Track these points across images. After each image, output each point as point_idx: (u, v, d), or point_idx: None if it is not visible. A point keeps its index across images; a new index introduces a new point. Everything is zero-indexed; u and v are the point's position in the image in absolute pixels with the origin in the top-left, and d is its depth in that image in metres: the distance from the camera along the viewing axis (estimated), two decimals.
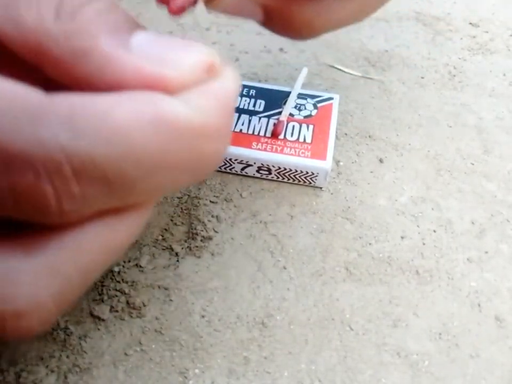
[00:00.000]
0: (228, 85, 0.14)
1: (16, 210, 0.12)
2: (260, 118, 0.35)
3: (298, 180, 0.34)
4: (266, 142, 0.33)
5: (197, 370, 0.26)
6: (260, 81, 0.42)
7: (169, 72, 0.13)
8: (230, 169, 0.34)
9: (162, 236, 0.31)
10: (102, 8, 0.13)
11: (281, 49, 0.45)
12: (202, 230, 0.31)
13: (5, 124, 0.11)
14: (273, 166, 0.33)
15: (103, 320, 0.27)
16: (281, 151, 0.33)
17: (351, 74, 0.43)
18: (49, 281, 0.12)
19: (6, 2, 0.12)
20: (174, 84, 0.13)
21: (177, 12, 0.16)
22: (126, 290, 0.28)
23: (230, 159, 0.33)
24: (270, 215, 0.32)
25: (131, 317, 0.28)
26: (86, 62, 0.12)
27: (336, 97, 0.37)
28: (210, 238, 0.31)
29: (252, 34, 0.46)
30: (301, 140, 0.34)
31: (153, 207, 0.15)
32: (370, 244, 0.31)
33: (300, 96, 0.37)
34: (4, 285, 0.12)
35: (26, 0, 0.12)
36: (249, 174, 0.34)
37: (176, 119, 0.12)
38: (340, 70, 0.43)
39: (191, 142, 0.12)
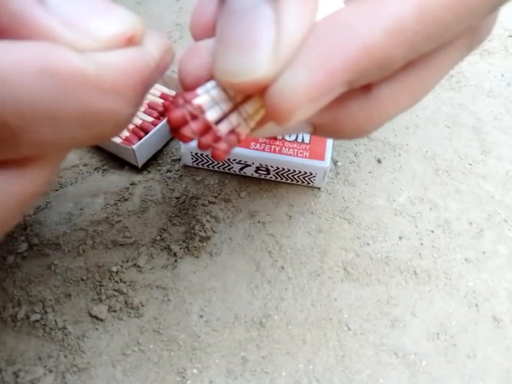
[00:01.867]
0: (142, 52, 0.13)
1: None
2: None
3: (296, 180, 0.34)
4: (265, 142, 0.33)
5: (195, 370, 0.26)
6: None
7: (83, 41, 0.12)
8: (229, 169, 0.34)
9: (161, 236, 0.31)
10: None
11: None
12: (200, 230, 0.31)
13: None
14: (271, 166, 0.33)
15: (101, 320, 0.27)
16: (280, 151, 0.33)
17: None
18: None
19: None
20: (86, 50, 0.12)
21: (222, 156, 0.15)
22: (124, 290, 0.28)
23: (229, 159, 0.33)
24: (268, 215, 0.32)
25: (129, 316, 0.28)
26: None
27: None
28: (208, 238, 0.31)
29: None
30: (299, 140, 0.34)
31: (58, 163, 0.14)
32: (368, 244, 0.31)
33: None
34: None
35: None
36: (247, 174, 0.34)
37: (66, 67, 0.12)
38: None
39: (81, 93, 0.12)
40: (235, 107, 0.15)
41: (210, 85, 0.15)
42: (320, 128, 0.18)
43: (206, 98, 0.14)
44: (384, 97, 0.17)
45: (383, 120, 0.18)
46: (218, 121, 0.15)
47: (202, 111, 0.14)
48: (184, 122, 0.14)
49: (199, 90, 0.15)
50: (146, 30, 0.14)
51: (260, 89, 0.14)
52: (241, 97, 0.15)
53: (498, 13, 0.19)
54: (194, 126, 0.14)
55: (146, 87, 0.14)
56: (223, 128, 0.15)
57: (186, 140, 0.15)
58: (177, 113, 0.14)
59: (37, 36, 0.12)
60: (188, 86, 0.15)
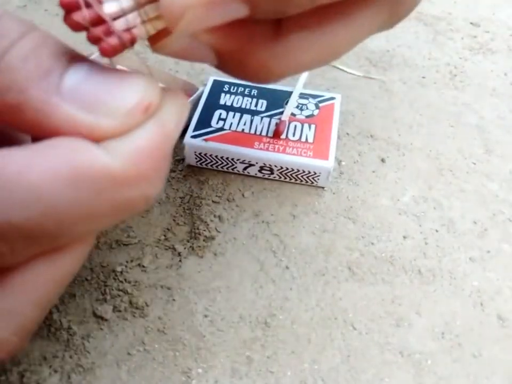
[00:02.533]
0: (161, 125, 0.13)
1: None
2: (261, 117, 0.35)
3: (300, 179, 0.34)
4: (268, 142, 0.33)
5: (200, 370, 0.26)
6: None
7: (102, 121, 0.12)
8: (232, 169, 0.34)
9: (165, 236, 0.31)
10: (29, 48, 0.12)
11: None
12: (204, 230, 0.31)
13: None
14: (275, 166, 0.33)
15: (106, 320, 0.27)
16: (283, 151, 0.33)
17: (352, 74, 0.43)
18: (8, 321, 0.13)
19: None
20: (108, 132, 0.13)
21: (110, 52, 0.15)
22: (129, 290, 0.28)
23: (232, 159, 0.33)
24: (272, 214, 0.32)
25: (134, 316, 0.28)
26: (22, 115, 0.12)
27: (338, 97, 0.37)
28: (212, 238, 0.31)
29: None
30: (303, 139, 0.34)
31: (93, 239, 0.15)
32: (372, 243, 0.31)
33: (302, 96, 0.37)
34: None
35: None
36: (251, 174, 0.34)
37: (93, 169, 0.12)
38: (342, 69, 0.43)
39: (112, 191, 0.12)
40: (136, 7, 0.15)
41: None
42: (225, 59, 0.18)
43: None
44: (295, 43, 0.16)
45: (290, 67, 0.17)
46: (115, 18, 0.14)
47: (99, 0, 0.14)
48: (77, 8, 0.14)
49: None
50: (162, 93, 0.14)
51: None
52: None
53: None
54: (87, 13, 0.14)
55: (168, 158, 0.14)
56: (118, 24, 0.14)
57: (76, 27, 0.14)
58: None
59: (60, 127, 0.12)
60: None
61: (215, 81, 0.38)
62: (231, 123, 0.34)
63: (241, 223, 0.32)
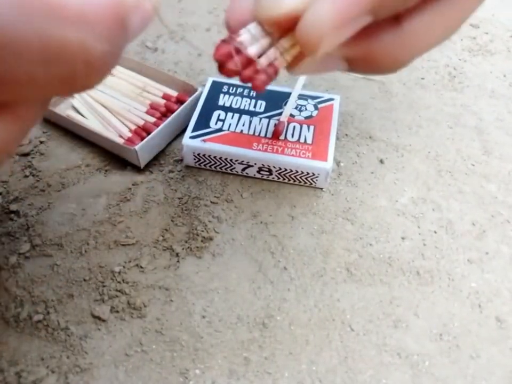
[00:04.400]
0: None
1: None
2: (260, 118, 0.35)
3: (299, 180, 0.34)
4: (267, 143, 0.33)
5: (197, 371, 0.26)
6: None
7: None
8: (231, 170, 0.34)
9: (163, 236, 0.31)
10: None
11: None
12: (203, 231, 0.31)
13: None
14: (274, 167, 0.33)
15: (104, 320, 0.27)
16: (282, 152, 0.33)
17: (351, 75, 0.43)
18: None
19: None
20: None
21: (262, 87, 0.18)
22: (127, 291, 0.28)
23: (231, 160, 0.33)
24: (271, 215, 0.32)
25: (132, 317, 0.28)
26: None
27: (337, 98, 0.37)
28: (211, 239, 0.31)
29: None
30: (302, 140, 0.34)
31: (31, 118, 0.14)
32: (371, 244, 0.31)
33: (301, 97, 0.37)
34: None
35: None
36: (250, 175, 0.34)
37: None
38: None
39: (42, 19, 0.11)
40: (273, 43, 0.18)
41: (251, 25, 0.18)
42: (354, 62, 0.20)
43: (248, 36, 0.17)
44: (416, 28, 0.18)
45: (417, 51, 0.19)
46: (258, 56, 0.18)
47: (244, 46, 0.17)
48: (230, 57, 0.17)
49: (242, 31, 0.18)
50: None
51: (292, 22, 0.16)
52: (277, 33, 0.17)
53: None
54: (238, 59, 0.17)
55: (122, 26, 0.13)
56: (262, 61, 0.18)
57: (231, 73, 0.18)
58: (224, 49, 0.17)
59: None
60: (232, 29, 0.18)
61: (214, 82, 0.38)
62: (230, 124, 0.34)
63: (240, 224, 0.32)
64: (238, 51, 0.17)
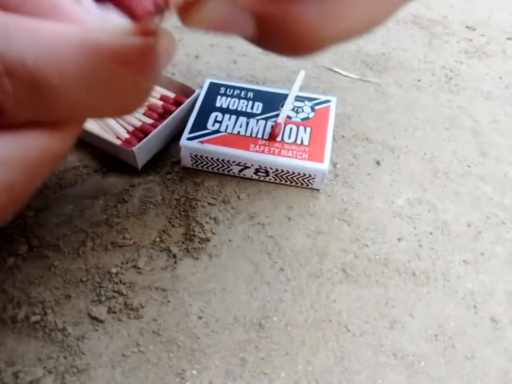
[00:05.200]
0: (151, 40, 0.15)
1: None
2: (257, 120, 0.35)
3: (295, 182, 0.34)
4: (264, 144, 0.33)
5: (194, 371, 0.26)
6: (257, 83, 0.42)
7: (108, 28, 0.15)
8: (228, 171, 0.34)
9: (160, 238, 0.31)
10: None
11: None
12: (200, 232, 0.31)
13: None
14: (270, 168, 0.33)
15: (101, 321, 0.27)
16: (279, 153, 0.33)
17: (348, 77, 0.43)
18: None
19: None
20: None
21: (139, 14, 0.15)
22: (124, 292, 0.28)
23: (228, 161, 0.33)
24: (268, 217, 0.32)
25: (129, 318, 0.28)
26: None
27: (334, 99, 0.37)
28: (208, 240, 0.31)
29: None
30: (299, 142, 0.34)
31: (78, 132, 0.17)
32: (367, 245, 0.31)
33: (298, 98, 0.37)
34: None
35: None
36: (247, 176, 0.34)
37: (97, 40, 0.14)
38: (337, 72, 0.43)
39: (109, 65, 0.14)
40: None
41: None
42: (265, 26, 0.16)
43: None
44: (342, 1, 0.15)
45: (340, 29, 0.16)
46: None
47: None
48: None
49: None
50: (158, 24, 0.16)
51: None
52: None
53: None
54: None
55: (158, 64, 0.16)
56: None
57: None
58: None
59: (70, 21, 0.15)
60: None
61: (211, 83, 0.38)
62: (227, 125, 0.35)
63: (237, 225, 0.32)
64: None
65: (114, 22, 0.15)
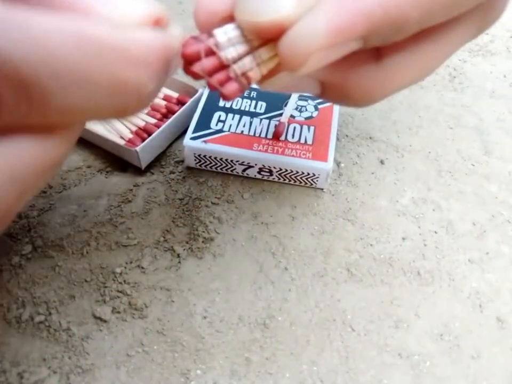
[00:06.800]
0: (166, 37, 0.14)
1: None
2: (261, 119, 0.35)
3: (299, 181, 0.34)
4: (268, 144, 0.33)
5: (198, 371, 0.26)
6: None
7: (116, 16, 0.13)
8: (231, 171, 0.34)
9: (164, 237, 0.31)
10: None
11: None
12: (203, 231, 0.31)
13: None
14: (274, 167, 0.33)
15: (105, 321, 0.27)
16: (283, 153, 0.33)
17: None
18: None
19: None
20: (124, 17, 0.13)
21: (231, 97, 0.16)
22: (128, 292, 0.28)
23: (232, 161, 0.33)
24: (272, 216, 0.32)
25: (133, 318, 0.28)
26: None
27: None
28: (211, 239, 0.31)
29: None
30: (302, 141, 0.34)
31: (76, 137, 0.15)
32: (371, 245, 0.31)
33: (301, 97, 0.37)
34: None
35: None
36: (250, 176, 0.34)
37: (99, 37, 0.12)
38: None
39: (111, 61, 0.13)
40: (250, 51, 0.15)
41: (229, 26, 0.15)
42: (328, 88, 0.18)
43: (223, 38, 0.15)
44: (395, 66, 0.17)
45: (391, 89, 0.18)
46: (232, 63, 0.15)
47: (217, 49, 0.15)
48: (198, 58, 0.15)
49: (218, 31, 0.15)
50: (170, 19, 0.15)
51: (279, 32, 0.14)
52: (258, 42, 0.15)
53: None
54: (206, 62, 0.15)
55: (169, 66, 0.15)
56: (236, 69, 0.15)
57: (196, 76, 0.15)
58: (192, 48, 0.15)
59: (76, 9, 0.13)
60: (201, 23, 0.15)
61: None
62: (230, 125, 0.35)
63: (240, 225, 0.32)
64: (209, 52, 0.15)
65: (126, 10, 0.14)
